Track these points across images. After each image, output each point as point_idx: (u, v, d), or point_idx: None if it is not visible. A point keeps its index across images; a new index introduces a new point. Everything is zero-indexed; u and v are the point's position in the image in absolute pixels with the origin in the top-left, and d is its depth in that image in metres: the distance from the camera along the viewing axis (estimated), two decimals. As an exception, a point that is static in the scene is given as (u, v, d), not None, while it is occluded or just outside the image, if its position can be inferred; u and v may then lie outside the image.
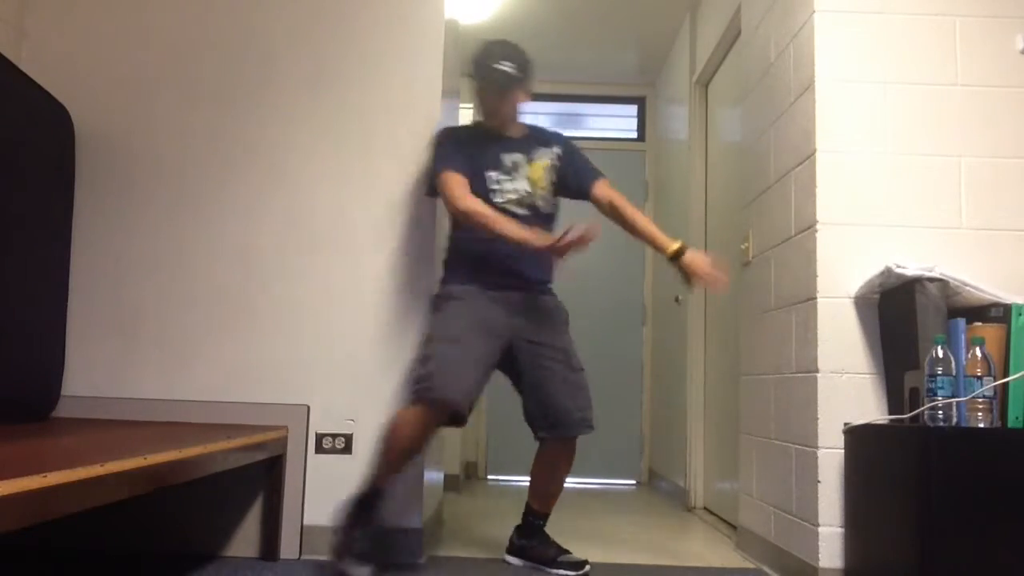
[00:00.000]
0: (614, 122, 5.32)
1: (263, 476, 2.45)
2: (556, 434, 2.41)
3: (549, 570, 2.42)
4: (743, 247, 2.90)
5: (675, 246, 2.32)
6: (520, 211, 2.37)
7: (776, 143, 2.58)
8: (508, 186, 2.37)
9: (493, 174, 2.37)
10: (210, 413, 2.50)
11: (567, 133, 2.44)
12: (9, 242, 2.25)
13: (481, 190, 2.34)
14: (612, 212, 2.46)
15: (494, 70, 2.36)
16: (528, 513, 2.53)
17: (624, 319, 5.03)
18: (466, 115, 4.24)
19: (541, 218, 2.42)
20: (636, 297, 5.04)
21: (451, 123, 3.16)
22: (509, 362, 2.39)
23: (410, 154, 2.61)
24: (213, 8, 2.68)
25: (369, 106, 2.63)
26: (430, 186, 2.44)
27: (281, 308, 2.56)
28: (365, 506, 2.22)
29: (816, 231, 2.23)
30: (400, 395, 2.45)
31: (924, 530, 1.72)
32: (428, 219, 2.60)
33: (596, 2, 4.15)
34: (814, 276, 2.22)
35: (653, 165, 5.12)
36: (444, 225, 2.73)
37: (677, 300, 4.20)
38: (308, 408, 2.51)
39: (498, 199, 2.35)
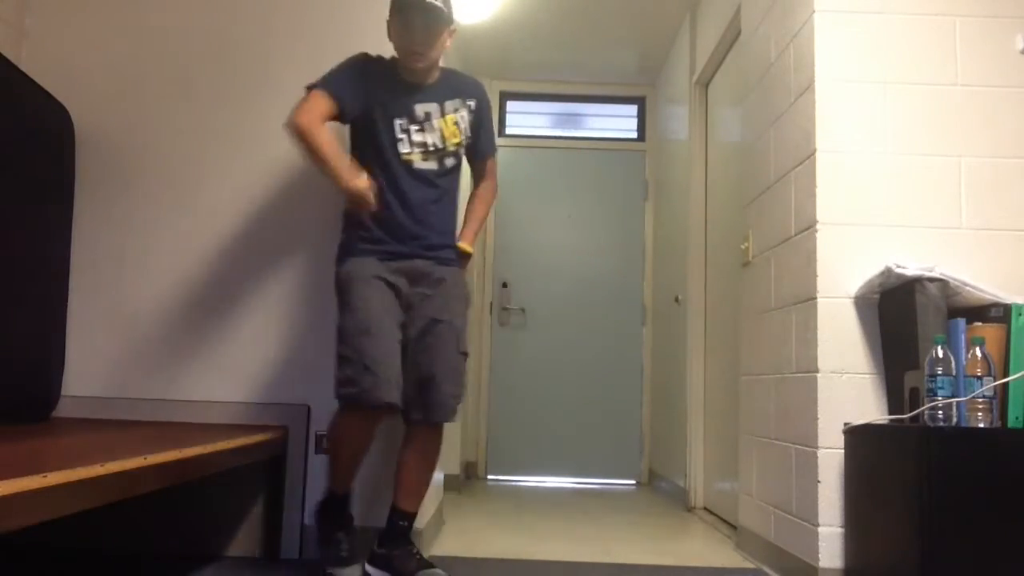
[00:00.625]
0: (614, 122, 5.32)
1: (263, 476, 2.45)
2: (431, 418, 2.19)
3: None
4: (743, 247, 2.90)
5: (465, 247, 2.32)
6: (425, 165, 2.22)
7: (776, 143, 2.58)
8: (417, 137, 2.21)
9: (402, 122, 2.20)
10: (210, 413, 2.50)
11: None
12: (9, 242, 2.25)
13: (387, 138, 2.20)
14: (473, 189, 2.45)
15: (430, 6, 2.14)
16: (394, 514, 2.24)
17: (624, 319, 5.03)
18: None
19: (445, 172, 2.28)
20: (636, 297, 5.04)
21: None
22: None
23: (410, 154, 2.61)
24: (213, 8, 2.68)
25: (369, 106, 2.63)
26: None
27: (281, 307, 2.56)
28: (337, 511, 2.25)
29: (816, 231, 2.23)
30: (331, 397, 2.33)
31: (924, 530, 1.72)
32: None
33: (596, 2, 4.15)
34: (814, 276, 2.22)
35: (653, 165, 5.12)
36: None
37: (677, 300, 4.20)
38: (308, 408, 2.51)
39: (404, 148, 2.20)
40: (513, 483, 4.69)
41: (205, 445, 1.83)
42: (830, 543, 2.13)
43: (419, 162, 2.22)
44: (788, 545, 2.35)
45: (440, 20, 2.19)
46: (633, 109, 5.32)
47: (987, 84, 2.25)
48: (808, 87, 2.31)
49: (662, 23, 4.34)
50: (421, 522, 2.49)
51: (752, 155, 2.84)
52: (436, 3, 2.15)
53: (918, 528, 1.73)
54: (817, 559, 2.14)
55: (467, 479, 4.51)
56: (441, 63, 2.33)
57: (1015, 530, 1.71)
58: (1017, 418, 1.85)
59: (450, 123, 2.26)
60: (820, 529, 2.14)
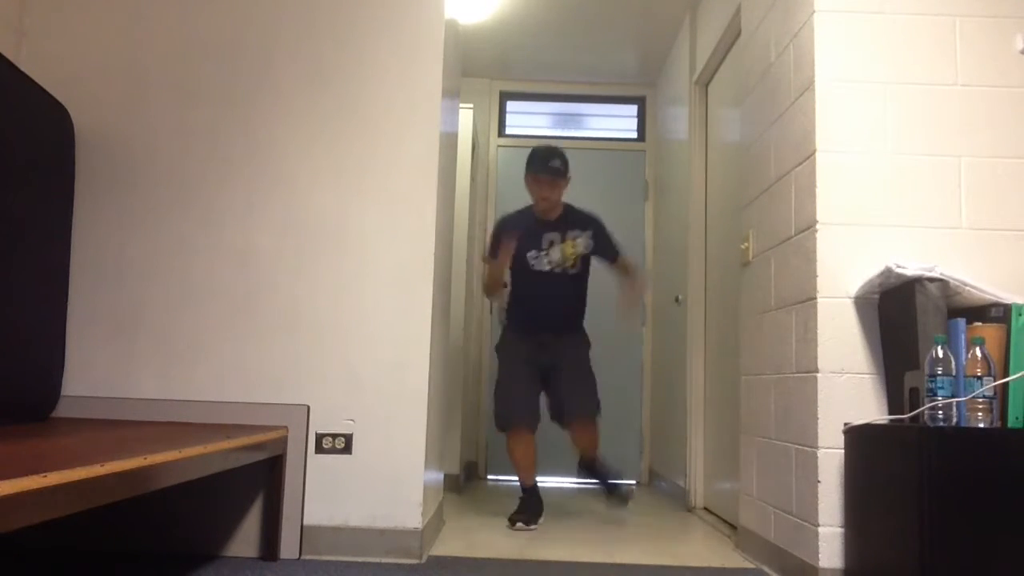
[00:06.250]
0: (614, 122, 5.33)
1: (263, 476, 2.45)
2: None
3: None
4: (743, 247, 2.90)
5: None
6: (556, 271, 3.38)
7: (776, 143, 2.58)
8: (544, 259, 3.36)
9: (533, 252, 3.36)
10: (210, 413, 2.50)
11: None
12: (9, 242, 2.25)
13: (523, 262, 3.36)
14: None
15: (553, 170, 3.33)
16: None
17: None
18: (466, 115, 4.24)
19: (572, 278, 3.41)
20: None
21: (450, 122, 3.17)
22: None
23: (410, 154, 2.61)
24: (213, 8, 2.68)
25: (369, 106, 2.64)
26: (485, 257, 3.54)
27: (281, 308, 2.56)
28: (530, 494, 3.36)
29: (816, 231, 2.23)
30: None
31: (924, 530, 1.72)
32: (428, 218, 2.60)
33: (596, 2, 4.15)
34: (814, 276, 2.22)
35: (653, 165, 5.12)
36: (443, 225, 2.74)
37: (677, 300, 4.20)
38: (308, 408, 2.51)
39: (536, 267, 3.37)
40: (513, 483, 4.68)
41: (205, 445, 1.83)
42: (830, 543, 2.13)
43: (548, 269, 3.38)
44: (788, 545, 2.35)
45: (560, 177, 3.37)
46: (633, 109, 5.32)
47: (987, 84, 2.25)
48: (808, 87, 2.31)
49: (662, 23, 4.34)
50: (420, 522, 2.49)
51: (752, 155, 2.84)
52: (558, 167, 3.34)
53: (918, 528, 1.73)
54: (817, 559, 2.14)
55: (467, 479, 4.51)
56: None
57: (1015, 530, 1.71)
58: (1017, 418, 1.85)
59: (568, 247, 3.36)
60: (820, 529, 2.14)
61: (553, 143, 3.65)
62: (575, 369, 3.37)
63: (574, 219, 3.42)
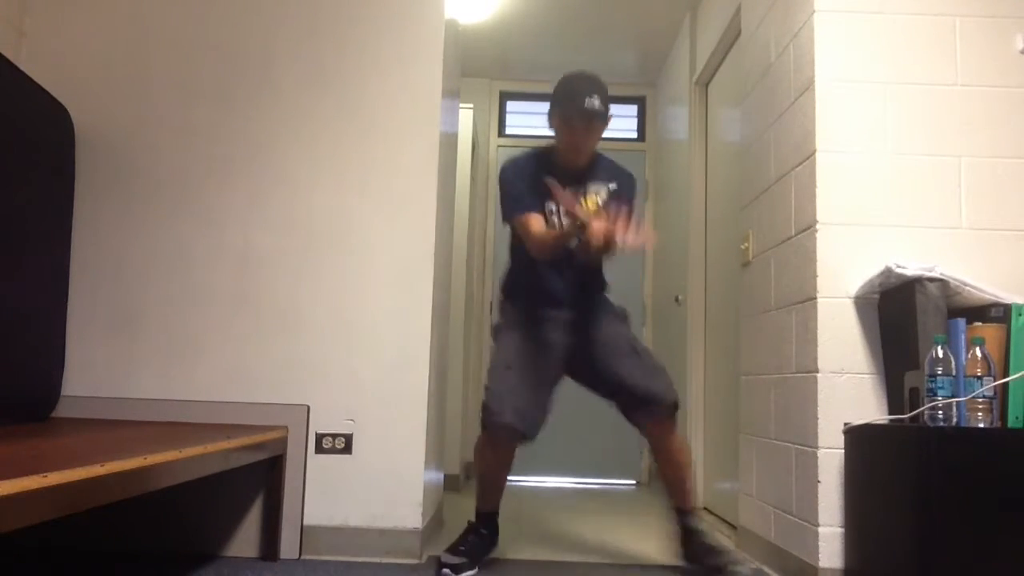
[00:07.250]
0: (614, 122, 5.27)
1: (263, 476, 2.45)
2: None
3: None
4: (743, 247, 2.90)
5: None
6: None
7: (776, 143, 2.58)
8: (564, 218, 2.37)
9: (552, 205, 2.40)
10: (210, 413, 2.50)
11: None
12: (9, 242, 2.25)
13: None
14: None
15: (592, 113, 2.34)
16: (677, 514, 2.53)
17: (624, 319, 5.02)
18: (466, 115, 4.24)
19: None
20: (636, 297, 5.04)
21: (450, 122, 3.16)
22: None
23: (409, 154, 2.62)
24: (213, 8, 2.68)
25: (369, 106, 2.64)
26: (507, 219, 2.46)
27: (281, 308, 2.56)
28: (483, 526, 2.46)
29: (816, 231, 2.23)
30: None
31: (924, 530, 1.72)
32: (428, 218, 2.60)
33: (596, 2, 4.15)
34: (814, 276, 2.22)
35: (653, 165, 5.12)
36: (443, 225, 2.74)
37: (677, 300, 4.20)
38: (308, 408, 2.51)
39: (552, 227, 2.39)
40: (513, 483, 4.68)
41: (205, 445, 1.83)
42: (830, 543, 2.13)
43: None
44: (788, 545, 2.35)
45: (599, 122, 2.37)
46: (633, 109, 5.32)
47: (987, 84, 2.25)
48: (808, 87, 2.31)
49: (662, 23, 4.34)
50: (421, 522, 2.49)
51: (752, 155, 2.84)
52: (599, 108, 2.32)
53: (918, 528, 1.73)
54: (817, 559, 2.14)
55: (467, 479, 4.51)
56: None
57: (1015, 530, 1.71)
58: (1017, 418, 1.85)
59: (592, 202, 2.40)
60: (820, 529, 2.14)
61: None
62: (626, 341, 2.55)
63: (600, 169, 2.51)
